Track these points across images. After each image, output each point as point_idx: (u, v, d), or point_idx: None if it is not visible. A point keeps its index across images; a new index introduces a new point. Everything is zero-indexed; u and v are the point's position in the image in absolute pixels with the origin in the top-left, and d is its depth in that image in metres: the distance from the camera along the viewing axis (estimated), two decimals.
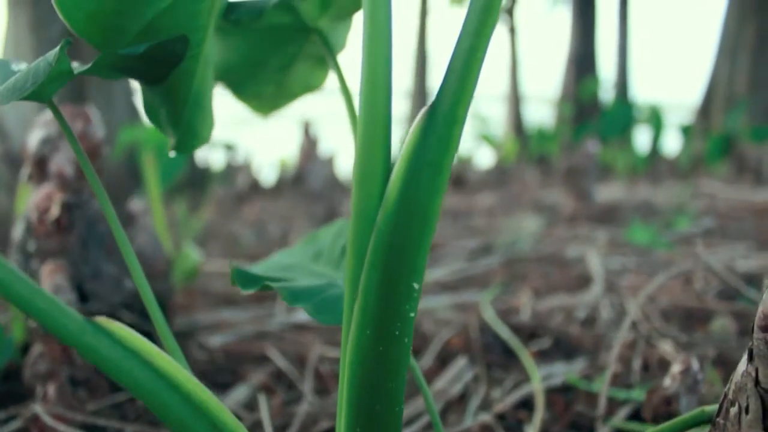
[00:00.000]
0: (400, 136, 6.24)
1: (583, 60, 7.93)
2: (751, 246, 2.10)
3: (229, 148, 3.57)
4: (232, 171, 4.47)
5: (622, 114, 4.51)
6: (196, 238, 2.46)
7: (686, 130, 6.14)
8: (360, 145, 0.48)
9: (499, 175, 5.26)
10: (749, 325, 1.40)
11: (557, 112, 7.41)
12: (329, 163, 2.91)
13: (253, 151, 4.76)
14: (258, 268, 0.74)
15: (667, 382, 0.82)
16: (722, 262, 1.83)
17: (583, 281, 1.76)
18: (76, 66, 0.59)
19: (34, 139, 1.19)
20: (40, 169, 1.18)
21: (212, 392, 0.53)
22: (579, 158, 2.53)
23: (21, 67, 0.70)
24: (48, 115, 1.20)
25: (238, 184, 4.34)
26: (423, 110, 0.44)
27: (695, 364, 0.81)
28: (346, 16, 0.81)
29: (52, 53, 0.48)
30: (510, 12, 10.40)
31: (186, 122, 0.68)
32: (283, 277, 0.65)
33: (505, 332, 1.30)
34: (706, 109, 7.59)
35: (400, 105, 12.05)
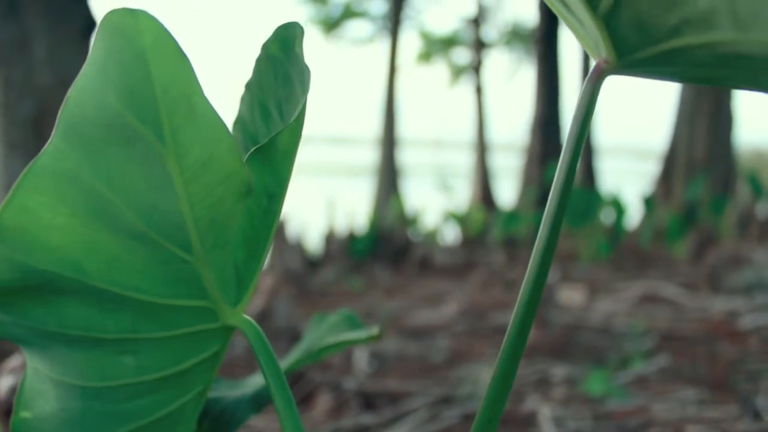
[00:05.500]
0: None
1: (547, 125, 8.10)
2: (703, 392, 2.18)
3: None
4: None
5: (585, 202, 4.62)
6: None
7: (648, 202, 6.29)
8: None
9: (466, 255, 5.34)
10: None
11: (521, 196, 7.56)
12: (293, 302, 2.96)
13: None
14: None
15: None
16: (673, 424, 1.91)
17: None
18: None
19: (3, 386, 1.23)
20: (8, 417, 1.22)
21: None
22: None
23: None
24: (16, 360, 1.25)
25: None
26: None
27: None
28: None
29: None
30: (477, 70, 10.60)
31: None
32: None
33: None
34: (667, 175, 7.77)
35: (371, 153, 12.16)
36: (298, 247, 5.19)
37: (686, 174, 7.43)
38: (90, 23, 2.78)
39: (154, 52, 0.42)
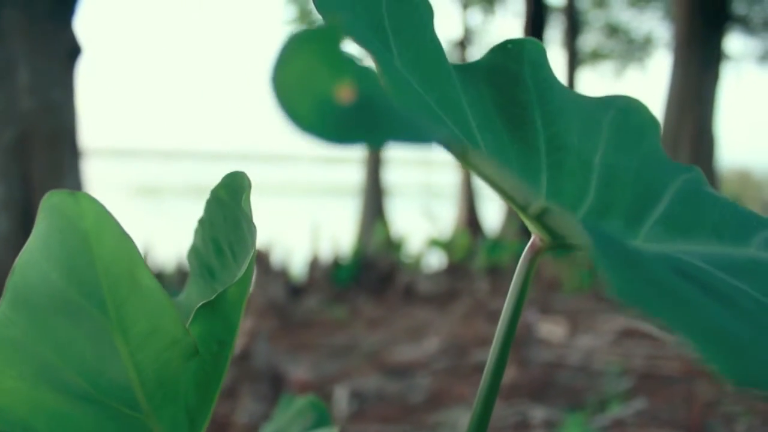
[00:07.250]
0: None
1: None
2: None
3: None
4: None
5: None
6: None
7: None
8: None
9: (450, 282, 5.35)
10: None
11: (506, 221, 7.58)
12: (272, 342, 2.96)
13: None
14: None
15: None
16: None
17: None
18: None
19: None
20: None
21: None
22: (519, 329, 2.61)
23: None
24: None
25: None
26: None
27: None
28: None
29: None
30: None
31: None
32: None
33: None
34: None
35: (357, 173, 12.18)
36: (282, 276, 5.18)
37: None
38: (74, 49, 2.76)
39: (95, 233, 0.43)
